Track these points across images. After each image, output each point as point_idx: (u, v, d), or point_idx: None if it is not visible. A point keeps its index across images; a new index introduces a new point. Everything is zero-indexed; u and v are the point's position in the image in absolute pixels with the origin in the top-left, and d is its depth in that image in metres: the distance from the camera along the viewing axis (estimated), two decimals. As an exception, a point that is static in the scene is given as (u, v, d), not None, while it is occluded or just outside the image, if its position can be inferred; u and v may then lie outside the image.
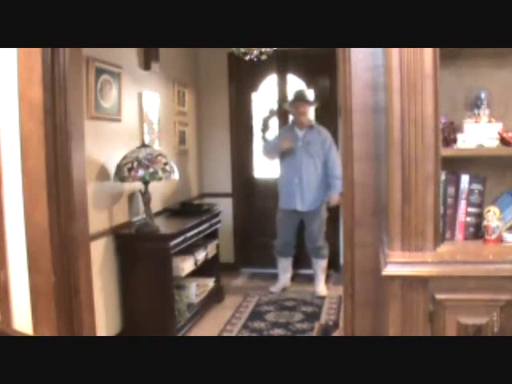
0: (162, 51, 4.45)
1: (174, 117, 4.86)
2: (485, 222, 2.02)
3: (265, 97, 5.66)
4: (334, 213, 5.47)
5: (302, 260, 5.25)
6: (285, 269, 5.06)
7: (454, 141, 2.07)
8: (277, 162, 5.04)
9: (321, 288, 4.92)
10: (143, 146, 3.72)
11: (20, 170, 2.55)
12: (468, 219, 2.10)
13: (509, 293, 1.86)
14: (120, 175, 3.49)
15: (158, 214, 4.31)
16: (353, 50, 2.32)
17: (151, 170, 3.51)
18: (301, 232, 5.01)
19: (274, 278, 5.14)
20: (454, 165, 2.07)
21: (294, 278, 5.22)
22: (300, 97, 4.83)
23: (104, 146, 3.53)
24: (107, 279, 3.53)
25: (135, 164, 3.48)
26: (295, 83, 5.54)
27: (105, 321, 3.47)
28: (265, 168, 5.68)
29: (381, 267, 1.98)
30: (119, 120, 3.72)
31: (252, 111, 5.70)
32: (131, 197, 3.92)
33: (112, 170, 3.58)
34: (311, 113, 4.97)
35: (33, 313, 2.59)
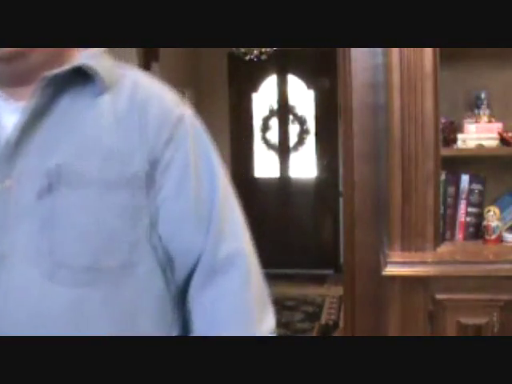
0: (162, 51, 4.45)
1: (174, 117, 4.86)
2: (485, 222, 2.02)
3: (265, 97, 5.66)
4: (333, 214, 5.48)
5: (301, 259, 5.24)
6: None
7: (454, 141, 2.07)
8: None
9: None
10: (143, 145, 3.72)
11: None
12: (468, 219, 2.10)
13: (509, 293, 1.86)
14: (120, 175, 3.49)
15: (158, 214, 4.30)
16: (353, 48, 2.32)
17: (151, 169, 3.51)
18: (303, 228, 4.83)
19: (274, 278, 5.09)
20: (454, 165, 2.07)
21: (294, 278, 5.21)
22: None
23: (104, 146, 3.52)
24: (107, 279, 3.52)
25: (135, 164, 3.47)
26: (295, 83, 5.53)
27: (105, 321, 3.46)
28: (266, 167, 5.65)
29: (381, 267, 1.97)
30: (119, 120, 3.72)
31: (252, 111, 5.69)
32: (131, 197, 3.91)
33: (112, 169, 3.57)
34: None
35: (33, 313, 2.59)
